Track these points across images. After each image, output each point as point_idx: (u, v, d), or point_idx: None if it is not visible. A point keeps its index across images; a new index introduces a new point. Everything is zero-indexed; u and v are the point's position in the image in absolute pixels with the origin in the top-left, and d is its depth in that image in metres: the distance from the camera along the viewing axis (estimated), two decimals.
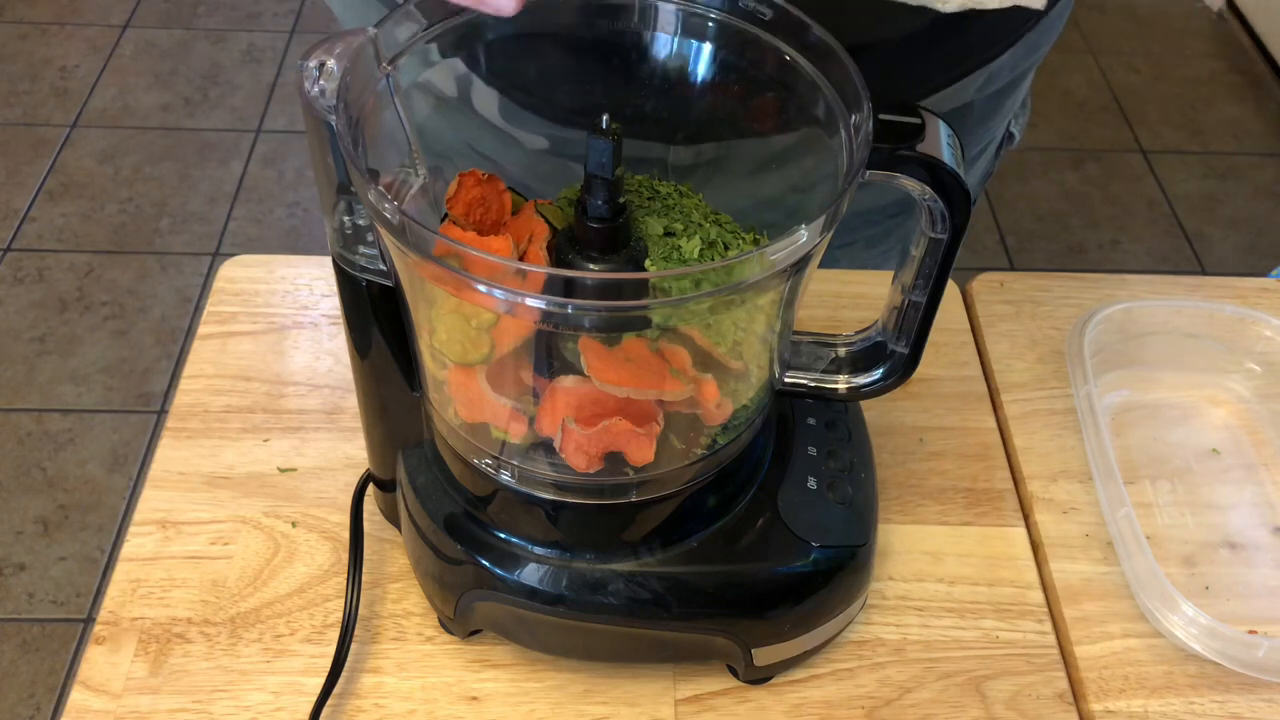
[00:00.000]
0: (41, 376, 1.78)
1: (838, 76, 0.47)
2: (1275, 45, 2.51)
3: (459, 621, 0.58)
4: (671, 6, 0.50)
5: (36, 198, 2.07)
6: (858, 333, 0.56)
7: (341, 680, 0.57)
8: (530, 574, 0.53)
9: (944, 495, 0.67)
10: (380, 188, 0.41)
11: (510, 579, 0.53)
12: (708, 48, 0.51)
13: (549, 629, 0.55)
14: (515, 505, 0.53)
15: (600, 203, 0.45)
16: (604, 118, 0.43)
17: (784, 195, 0.55)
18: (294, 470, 0.67)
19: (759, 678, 0.58)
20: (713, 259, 0.48)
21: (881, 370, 0.55)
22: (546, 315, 0.42)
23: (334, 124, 0.43)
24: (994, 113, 0.77)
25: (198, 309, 1.90)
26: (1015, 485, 0.68)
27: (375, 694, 0.58)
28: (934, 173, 0.46)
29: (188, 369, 0.71)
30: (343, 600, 0.61)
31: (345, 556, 0.63)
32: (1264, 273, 0.93)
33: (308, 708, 0.56)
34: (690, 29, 0.51)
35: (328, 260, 0.63)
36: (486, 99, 0.68)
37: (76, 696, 0.57)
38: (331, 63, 0.44)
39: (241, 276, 0.77)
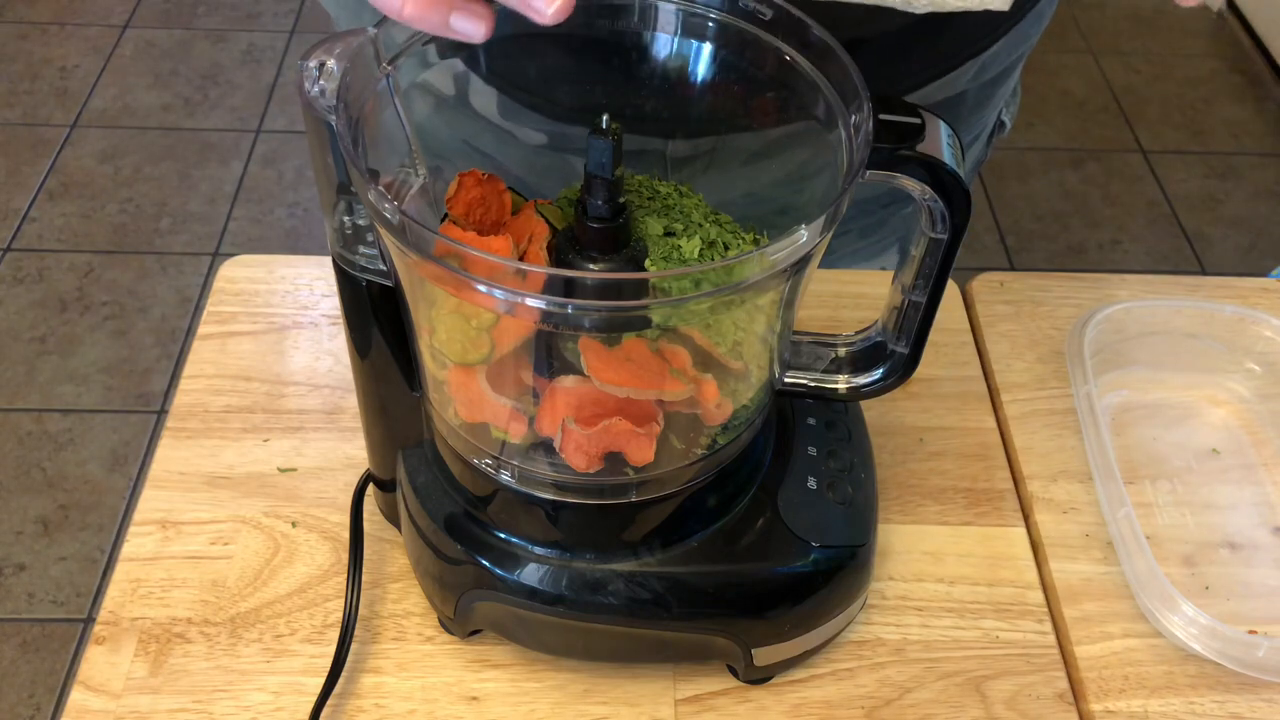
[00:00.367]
0: (41, 376, 1.78)
1: (837, 76, 0.47)
2: (1275, 45, 2.51)
3: (459, 621, 0.58)
4: (671, 6, 0.50)
5: (36, 198, 2.07)
6: (858, 333, 0.56)
7: (341, 680, 0.57)
8: (530, 574, 0.53)
9: (944, 495, 0.67)
10: (380, 188, 0.41)
11: (510, 579, 0.53)
12: (708, 47, 0.51)
13: (549, 629, 0.55)
14: (515, 505, 0.53)
15: (600, 203, 0.45)
16: (604, 118, 0.43)
17: (782, 185, 0.55)
18: (294, 470, 0.67)
19: (759, 678, 0.58)
20: (713, 259, 0.48)
21: (881, 370, 0.55)
22: (546, 315, 0.42)
23: (334, 124, 0.43)
24: (986, 101, 0.78)
25: (198, 309, 1.90)
26: (1015, 485, 0.68)
27: (375, 694, 0.58)
28: (934, 173, 0.46)
29: (188, 369, 0.71)
30: (343, 600, 0.61)
31: (345, 556, 0.63)
32: (1264, 273, 0.93)
33: (308, 708, 0.56)
34: (690, 29, 0.51)
35: (328, 260, 0.63)
36: (484, 97, 0.68)
37: (76, 696, 0.57)
38: (331, 63, 0.44)
39: (241, 276, 0.77)
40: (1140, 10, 2.71)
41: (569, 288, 0.41)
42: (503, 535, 0.54)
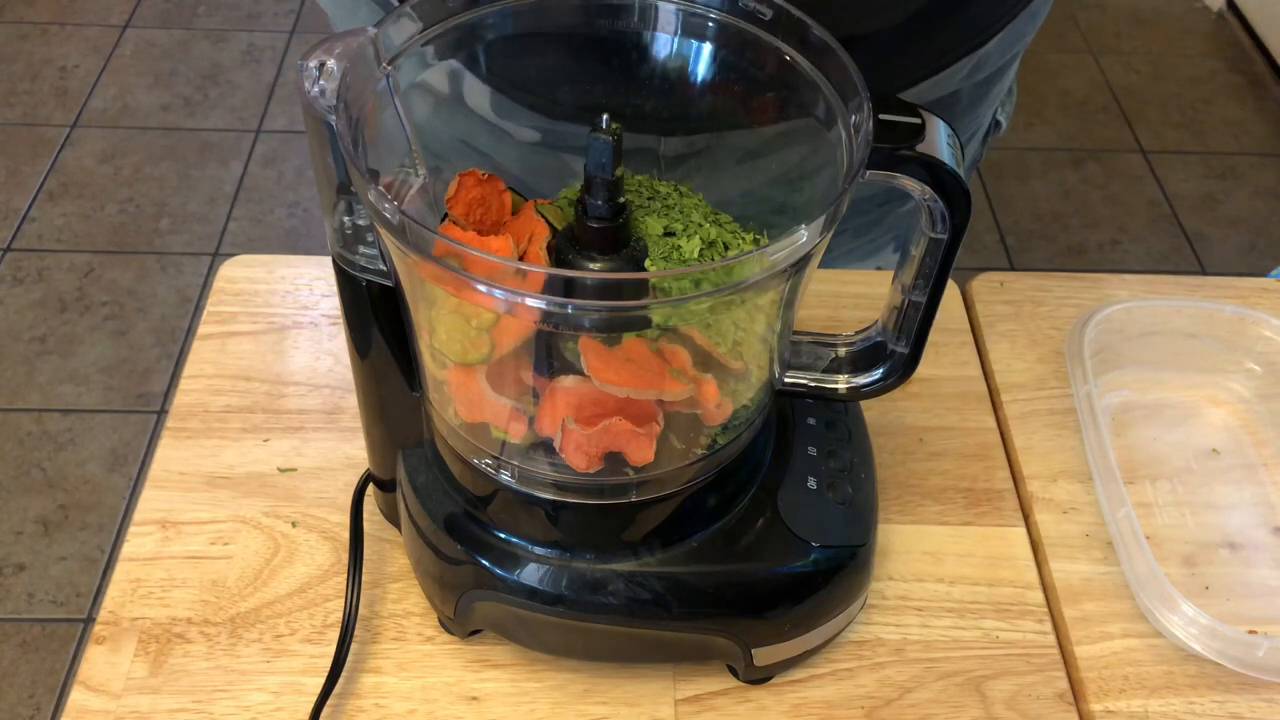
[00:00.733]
0: (41, 376, 1.78)
1: (837, 76, 0.47)
2: (1275, 45, 2.51)
3: (459, 621, 0.58)
4: (671, 6, 0.50)
5: (36, 198, 2.07)
6: (858, 333, 0.56)
7: (341, 680, 0.57)
8: (530, 574, 0.53)
9: (944, 495, 0.67)
10: (380, 188, 0.41)
11: (510, 579, 0.53)
12: (707, 47, 0.51)
13: (549, 629, 0.55)
14: (515, 505, 0.53)
15: (600, 203, 0.45)
16: (605, 117, 0.43)
17: (779, 184, 0.55)
18: (294, 470, 0.67)
19: (759, 678, 0.58)
20: (713, 259, 0.48)
21: (881, 370, 0.55)
22: (546, 315, 0.42)
23: (334, 124, 0.43)
24: (981, 100, 0.78)
25: (198, 309, 1.90)
26: (1015, 485, 0.68)
27: (375, 694, 0.58)
28: (934, 173, 0.46)
29: (188, 369, 0.71)
30: (343, 600, 0.61)
31: (345, 556, 0.63)
32: (1264, 273, 0.93)
33: (308, 708, 0.56)
34: (690, 29, 0.51)
35: (328, 260, 0.63)
36: (478, 94, 0.68)
37: (76, 696, 0.57)
38: (331, 63, 0.44)
39: (241, 276, 0.77)
40: (1140, 10, 2.71)
41: (569, 288, 0.41)
42: (503, 535, 0.54)
